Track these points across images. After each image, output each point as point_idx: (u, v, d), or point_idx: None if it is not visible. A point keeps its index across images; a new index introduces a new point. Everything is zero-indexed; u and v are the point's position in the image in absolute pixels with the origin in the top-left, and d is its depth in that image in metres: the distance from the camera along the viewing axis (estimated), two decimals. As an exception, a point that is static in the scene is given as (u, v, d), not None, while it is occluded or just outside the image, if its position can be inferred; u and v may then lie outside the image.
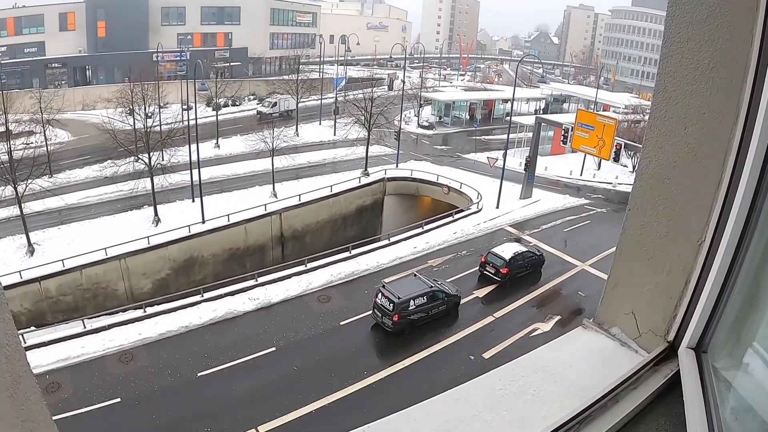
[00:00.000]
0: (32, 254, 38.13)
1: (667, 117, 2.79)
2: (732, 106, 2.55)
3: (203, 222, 41.59)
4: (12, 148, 39.45)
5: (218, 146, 61.24)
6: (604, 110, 72.93)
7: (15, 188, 37.22)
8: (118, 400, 23.64)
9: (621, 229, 3.13)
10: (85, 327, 28.40)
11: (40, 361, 25.52)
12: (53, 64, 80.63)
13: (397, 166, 54.38)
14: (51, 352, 26.51)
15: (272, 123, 56.97)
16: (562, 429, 2.55)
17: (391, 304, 27.35)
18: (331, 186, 48.34)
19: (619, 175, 56.88)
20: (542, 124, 48.46)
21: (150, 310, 30.34)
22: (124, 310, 32.35)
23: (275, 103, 77.52)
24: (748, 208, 2.48)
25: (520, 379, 2.98)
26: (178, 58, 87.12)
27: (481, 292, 32.78)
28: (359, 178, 51.23)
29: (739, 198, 2.50)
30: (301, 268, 34.79)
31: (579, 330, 3.42)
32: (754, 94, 2.42)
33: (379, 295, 28.08)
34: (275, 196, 47.46)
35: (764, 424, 2.32)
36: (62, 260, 35.80)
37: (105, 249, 37.01)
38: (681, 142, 2.76)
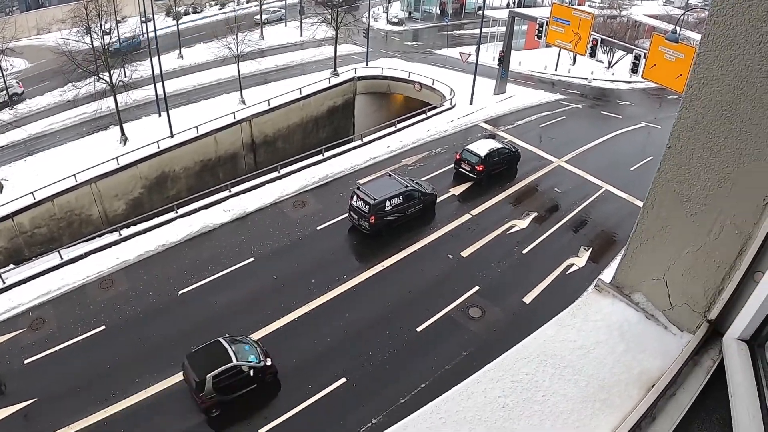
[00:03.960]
0: (1, 191, 37.42)
1: (733, 22, 1.97)
2: None
3: (172, 136, 40.65)
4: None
5: (181, 56, 59.02)
6: (579, 5, 70.11)
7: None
8: (103, 327, 23.82)
9: (655, 171, 2.43)
10: (62, 258, 28.11)
11: (22, 299, 25.64)
12: (2, -11, 76.58)
13: (367, 65, 52.73)
14: (31, 287, 26.38)
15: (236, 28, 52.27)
16: None
17: (367, 206, 27.22)
18: (300, 88, 46.90)
19: (594, 71, 55.64)
20: (516, 18, 46.71)
21: (126, 232, 30.03)
22: (101, 235, 32.05)
23: None
24: None
25: (524, 378, 2.31)
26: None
27: (457, 190, 32.63)
28: (329, 78, 49.72)
29: None
30: (275, 174, 34.38)
31: (592, 294, 2.74)
32: None
33: (355, 197, 27.91)
34: (243, 102, 46.24)
35: None
36: (32, 193, 34.96)
37: (74, 175, 36.17)
38: (753, 59, 1.98)
